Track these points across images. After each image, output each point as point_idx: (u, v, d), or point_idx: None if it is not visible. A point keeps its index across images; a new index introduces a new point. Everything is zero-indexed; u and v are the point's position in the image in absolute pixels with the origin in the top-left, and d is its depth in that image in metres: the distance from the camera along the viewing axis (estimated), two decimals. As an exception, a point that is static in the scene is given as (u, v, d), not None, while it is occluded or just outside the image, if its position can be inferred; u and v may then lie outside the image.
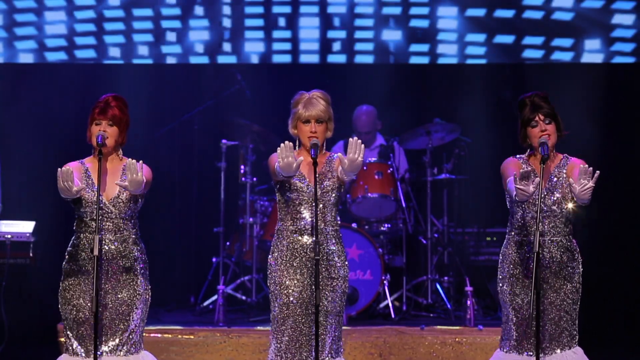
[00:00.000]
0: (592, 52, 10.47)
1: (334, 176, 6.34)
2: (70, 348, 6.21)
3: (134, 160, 5.90)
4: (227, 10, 10.55)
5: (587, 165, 5.87)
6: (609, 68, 10.55)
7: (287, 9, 10.59)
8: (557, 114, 6.23)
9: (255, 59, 10.63)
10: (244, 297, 9.89)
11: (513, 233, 6.33)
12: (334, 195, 6.34)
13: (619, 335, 9.89)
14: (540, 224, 6.11)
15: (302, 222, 6.32)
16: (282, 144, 5.99)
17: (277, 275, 6.33)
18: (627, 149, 10.59)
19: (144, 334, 6.37)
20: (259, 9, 10.60)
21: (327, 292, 6.28)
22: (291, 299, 6.29)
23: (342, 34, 10.60)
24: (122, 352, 6.20)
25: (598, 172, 5.82)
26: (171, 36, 10.57)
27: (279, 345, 6.31)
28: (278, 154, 6.00)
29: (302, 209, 6.33)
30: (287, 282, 6.31)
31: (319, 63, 10.69)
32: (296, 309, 6.29)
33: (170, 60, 10.61)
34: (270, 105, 9.43)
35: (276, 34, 10.59)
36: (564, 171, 6.26)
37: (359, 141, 5.90)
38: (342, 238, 6.43)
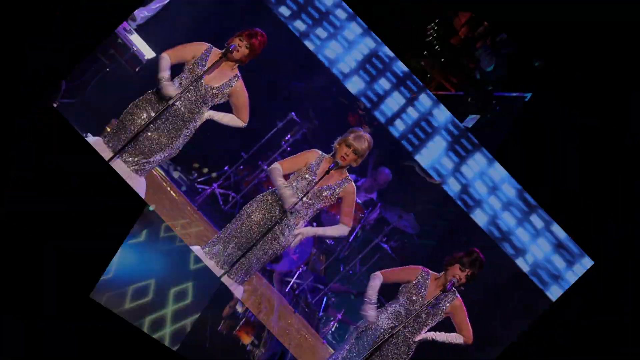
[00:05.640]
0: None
1: (335, 199, 7.11)
2: (106, 139, 7.03)
3: None
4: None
5: None
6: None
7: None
8: (475, 279, 7.07)
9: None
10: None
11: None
12: (317, 207, 7.08)
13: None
14: None
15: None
16: (283, 192, 6.87)
17: (247, 206, 7.18)
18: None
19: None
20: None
21: (266, 246, 7.10)
22: (252, 219, 7.06)
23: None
24: (131, 168, 6.97)
25: None
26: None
27: (226, 231, 7.10)
28: (284, 195, 6.95)
29: (294, 185, 7.09)
30: (250, 213, 7.12)
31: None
32: (250, 227, 7.06)
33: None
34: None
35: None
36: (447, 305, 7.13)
37: None
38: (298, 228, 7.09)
